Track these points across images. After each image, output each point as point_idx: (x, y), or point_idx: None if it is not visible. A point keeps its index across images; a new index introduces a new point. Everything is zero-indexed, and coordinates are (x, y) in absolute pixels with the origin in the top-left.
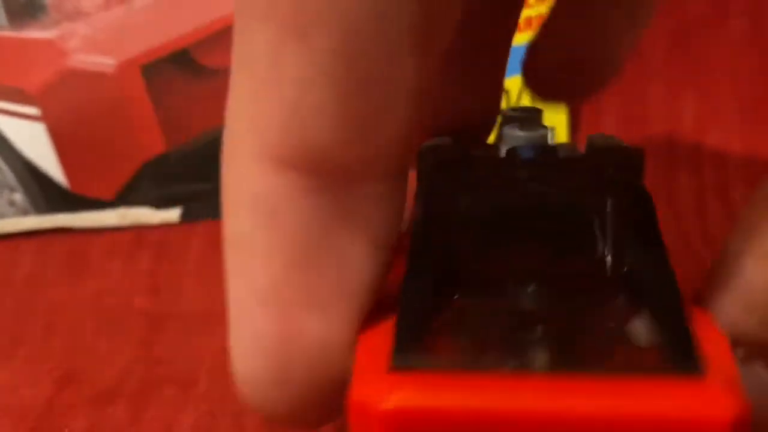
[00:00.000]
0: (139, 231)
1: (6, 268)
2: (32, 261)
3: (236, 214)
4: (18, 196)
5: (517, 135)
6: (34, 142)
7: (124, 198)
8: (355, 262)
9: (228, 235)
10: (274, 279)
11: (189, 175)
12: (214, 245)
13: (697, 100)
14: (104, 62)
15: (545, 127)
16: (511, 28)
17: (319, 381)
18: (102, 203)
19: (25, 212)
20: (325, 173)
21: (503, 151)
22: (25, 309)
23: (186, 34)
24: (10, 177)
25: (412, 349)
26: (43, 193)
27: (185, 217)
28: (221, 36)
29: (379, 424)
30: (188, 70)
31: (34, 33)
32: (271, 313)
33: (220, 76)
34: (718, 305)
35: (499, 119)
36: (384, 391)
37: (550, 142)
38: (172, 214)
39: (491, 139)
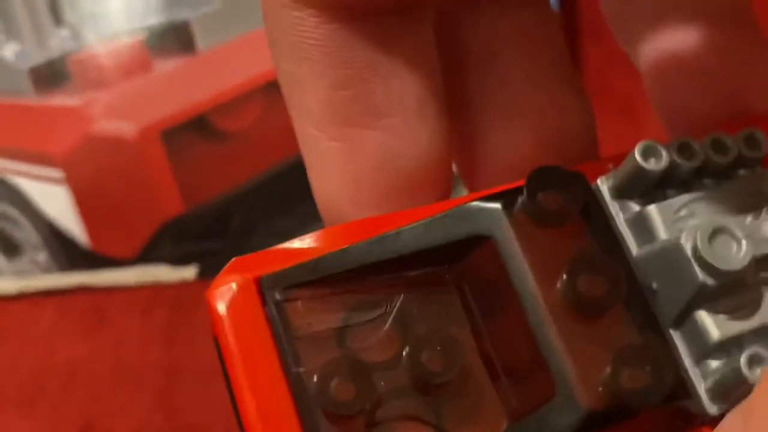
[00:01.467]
0: (156, 288)
1: (29, 323)
2: (54, 317)
3: (281, 55)
4: (41, 255)
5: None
6: (58, 204)
7: (143, 256)
8: (398, 82)
9: (280, 79)
10: (324, 102)
11: (205, 234)
12: None
13: None
14: (125, 128)
15: None
16: None
17: (389, 187)
18: (122, 262)
19: (48, 270)
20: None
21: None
22: (47, 362)
23: (203, 101)
24: (34, 237)
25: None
26: (66, 252)
27: (201, 275)
28: (236, 103)
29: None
30: (205, 135)
31: (58, 100)
32: (330, 132)
33: (235, 140)
34: None
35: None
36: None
37: None
38: (189, 272)
39: None
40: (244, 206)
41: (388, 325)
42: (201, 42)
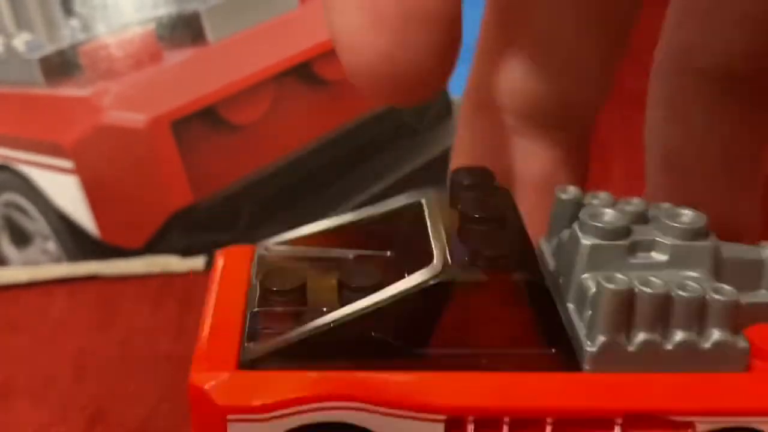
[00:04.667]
0: (165, 278)
1: (39, 312)
2: (64, 306)
3: None
4: (51, 245)
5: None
6: (68, 194)
7: (153, 247)
8: None
9: None
10: None
11: (214, 225)
12: None
13: None
14: (136, 118)
15: None
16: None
17: (405, 15)
18: (131, 252)
19: (58, 260)
20: None
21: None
22: (58, 352)
23: (212, 92)
24: (44, 226)
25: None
26: (76, 241)
27: (210, 265)
28: (246, 94)
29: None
30: (215, 126)
31: (69, 91)
32: None
33: (245, 131)
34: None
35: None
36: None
37: None
38: (198, 262)
39: None
40: (253, 197)
41: (336, 276)
42: (211, 33)
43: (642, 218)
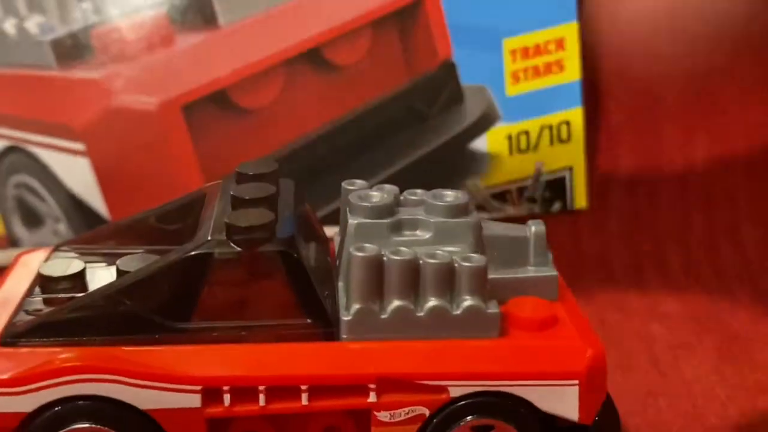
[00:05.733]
0: None
1: None
2: None
3: None
4: (62, 227)
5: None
6: (79, 176)
7: None
8: None
9: None
10: None
11: None
12: None
13: (709, 142)
14: (147, 101)
15: None
16: None
17: None
18: None
19: None
20: None
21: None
22: None
23: (224, 76)
24: (55, 208)
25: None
26: (86, 223)
27: None
28: (257, 78)
29: None
30: (226, 110)
31: (81, 73)
32: None
33: (256, 115)
34: None
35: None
36: None
37: None
38: None
39: None
40: None
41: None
42: (222, 17)
43: (415, 203)
